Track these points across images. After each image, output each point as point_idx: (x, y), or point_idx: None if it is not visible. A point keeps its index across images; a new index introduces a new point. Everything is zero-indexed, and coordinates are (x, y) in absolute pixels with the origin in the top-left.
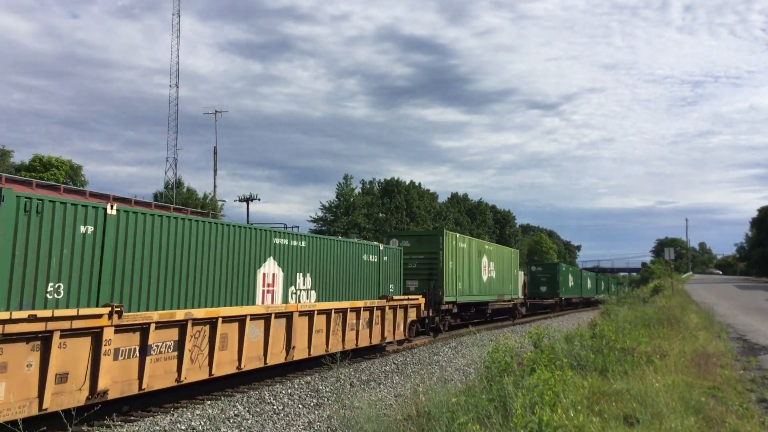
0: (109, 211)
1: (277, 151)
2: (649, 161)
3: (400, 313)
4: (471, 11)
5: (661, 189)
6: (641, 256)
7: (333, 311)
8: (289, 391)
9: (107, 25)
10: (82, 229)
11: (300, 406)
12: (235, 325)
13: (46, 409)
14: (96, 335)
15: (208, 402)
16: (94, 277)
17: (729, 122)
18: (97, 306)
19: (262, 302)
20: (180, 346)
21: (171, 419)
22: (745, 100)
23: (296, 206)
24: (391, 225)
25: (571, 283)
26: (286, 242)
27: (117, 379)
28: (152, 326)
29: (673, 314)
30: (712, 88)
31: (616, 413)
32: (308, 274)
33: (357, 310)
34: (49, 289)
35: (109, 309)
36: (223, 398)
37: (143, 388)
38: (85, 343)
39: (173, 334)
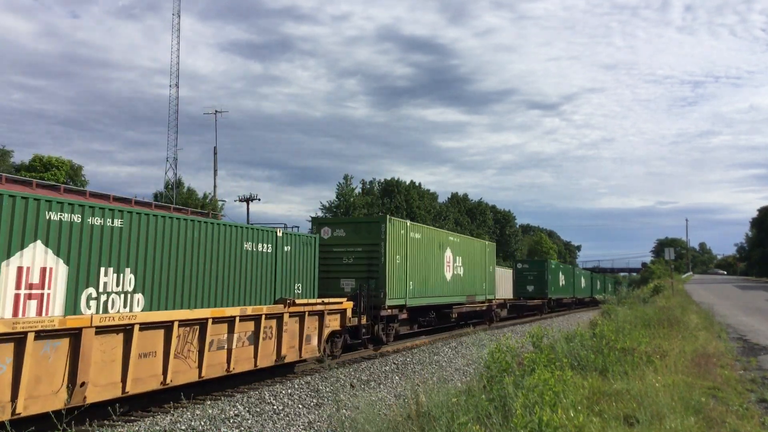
0: None
1: (278, 151)
2: (649, 161)
3: (310, 322)
4: (471, 11)
5: (661, 189)
6: (641, 256)
7: (177, 324)
8: (289, 391)
9: (107, 25)
10: None
11: (300, 406)
12: None
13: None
14: None
15: (209, 402)
16: None
17: (729, 122)
18: None
19: (13, 314)
20: None
21: (171, 419)
22: (745, 100)
23: (296, 206)
24: None
25: (561, 282)
26: (78, 219)
27: None
28: None
29: (673, 314)
30: (713, 88)
31: (616, 413)
32: (128, 269)
33: (230, 321)
34: None
35: None
36: (223, 398)
37: None
38: None
39: None
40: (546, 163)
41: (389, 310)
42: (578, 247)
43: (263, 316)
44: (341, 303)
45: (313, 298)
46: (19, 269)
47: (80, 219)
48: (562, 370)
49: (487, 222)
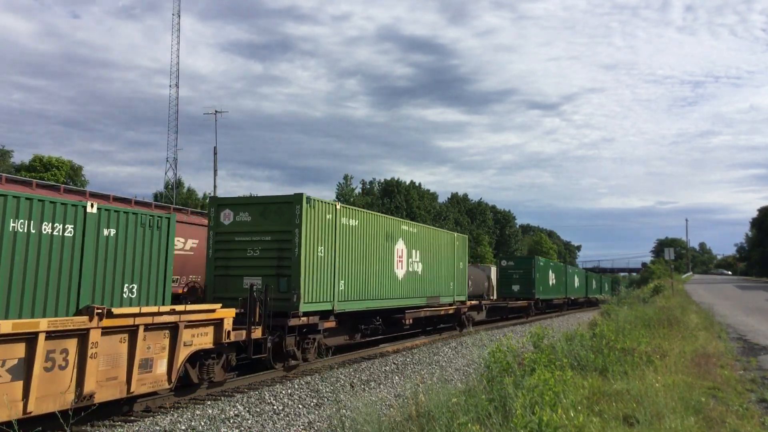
0: None
1: (278, 151)
2: (649, 161)
3: (153, 339)
4: (471, 11)
5: (661, 189)
6: (641, 256)
7: None
8: (289, 391)
9: (108, 25)
10: None
11: (300, 406)
12: None
13: None
14: None
15: (208, 402)
16: None
17: (729, 122)
18: None
19: None
20: None
21: (171, 419)
22: (745, 100)
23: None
24: None
25: (552, 281)
26: None
27: None
28: None
29: (673, 314)
30: (713, 89)
31: (616, 413)
32: None
33: None
34: None
35: None
36: (223, 398)
37: None
38: None
39: None
40: (546, 163)
41: (305, 318)
42: (578, 247)
43: (41, 335)
44: (213, 311)
45: (164, 305)
46: None
47: None
48: (563, 370)
49: (487, 222)
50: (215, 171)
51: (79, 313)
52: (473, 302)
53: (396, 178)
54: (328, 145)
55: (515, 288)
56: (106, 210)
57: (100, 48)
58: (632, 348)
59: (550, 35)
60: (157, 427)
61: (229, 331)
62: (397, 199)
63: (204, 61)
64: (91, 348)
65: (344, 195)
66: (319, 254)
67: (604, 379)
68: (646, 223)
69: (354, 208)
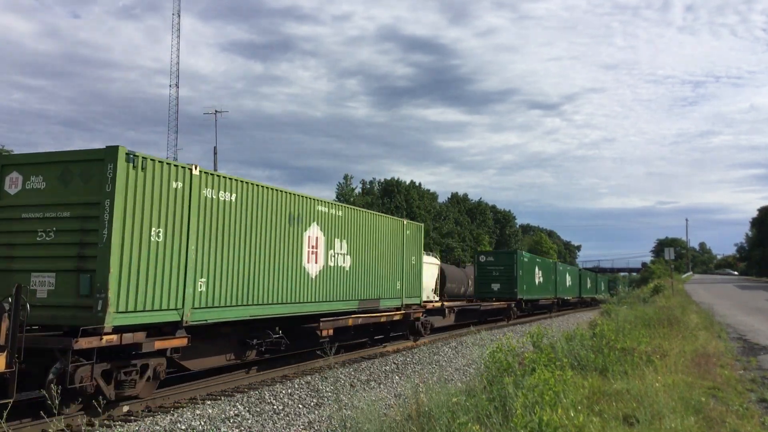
0: None
1: (278, 151)
2: (649, 161)
3: None
4: (472, 11)
5: (661, 189)
6: (641, 256)
7: None
8: (289, 390)
9: (108, 25)
10: None
11: (300, 405)
12: None
13: None
14: None
15: (208, 402)
16: None
17: (730, 122)
18: None
19: None
20: None
21: (171, 419)
22: (746, 100)
23: None
24: None
25: (538, 280)
26: None
27: None
28: None
29: (673, 314)
30: (713, 88)
31: (616, 413)
32: None
33: None
34: None
35: None
36: (223, 398)
37: None
38: None
39: None
40: (546, 163)
41: (113, 337)
42: (578, 247)
43: None
44: None
45: None
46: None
47: None
48: (563, 369)
49: (487, 222)
50: (215, 171)
51: None
52: (434, 304)
53: (396, 178)
54: (329, 145)
55: (495, 287)
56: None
57: (101, 48)
58: (632, 348)
59: (551, 35)
60: (157, 427)
61: None
62: (397, 199)
63: (204, 61)
64: None
65: (344, 195)
66: (155, 239)
67: (604, 379)
68: (647, 223)
69: (230, 176)
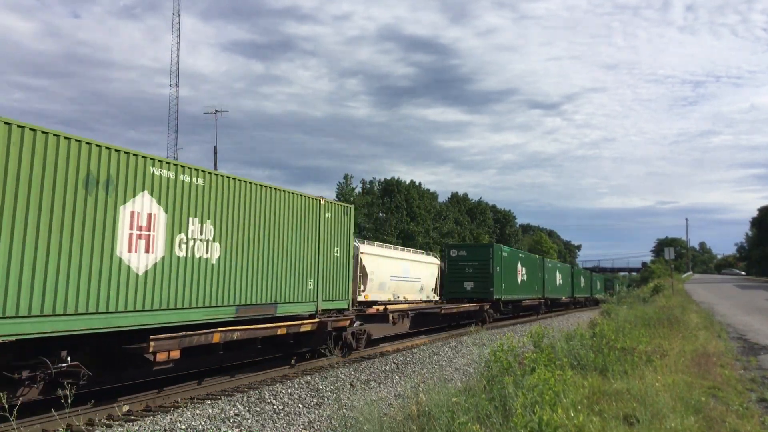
0: None
1: (278, 151)
2: (649, 161)
3: None
4: (473, 11)
5: (661, 189)
6: (641, 255)
7: None
8: (289, 390)
9: (109, 25)
10: None
11: (300, 405)
12: None
13: None
14: None
15: (208, 402)
16: None
17: (730, 122)
18: None
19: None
20: None
21: (171, 419)
22: (746, 99)
23: None
24: (392, 225)
25: (522, 277)
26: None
27: None
28: None
29: (673, 314)
30: (714, 88)
31: (616, 413)
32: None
33: None
34: None
35: None
36: (223, 398)
37: None
38: None
39: None
40: (547, 162)
41: None
42: (578, 247)
43: None
44: None
45: None
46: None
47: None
48: (563, 369)
49: (487, 222)
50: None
51: None
52: (377, 308)
53: (396, 178)
54: (329, 144)
55: (468, 286)
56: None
57: (101, 48)
58: (632, 347)
59: (551, 35)
60: (157, 427)
61: None
62: (397, 199)
63: (205, 61)
64: None
65: (344, 194)
66: None
67: (604, 379)
68: (647, 222)
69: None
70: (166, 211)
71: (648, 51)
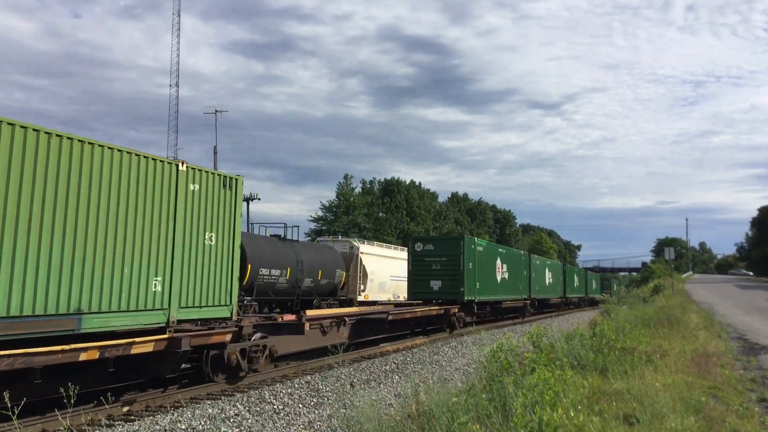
0: None
1: (278, 150)
2: (650, 161)
3: None
4: (473, 11)
5: (661, 189)
6: (642, 255)
7: None
8: (289, 390)
9: (109, 25)
10: None
11: (300, 405)
12: None
13: None
14: None
15: (208, 402)
16: None
17: (730, 122)
18: None
19: None
20: None
21: (171, 419)
22: (746, 99)
23: (297, 206)
24: (392, 225)
25: (502, 276)
26: None
27: None
28: None
29: (673, 314)
30: (714, 88)
31: (616, 413)
32: None
33: None
34: None
35: None
36: (223, 398)
37: None
38: None
39: None
40: (547, 162)
41: None
42: (578, 247)
43: None
44: None
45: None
46: None
47: None
48: (562, 369)
49: (487, 222)
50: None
51: None
52: (289, 317)
53: (396, 178)
54: (329, 144)
55: (435, 285)
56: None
57: (102, 48)
58: (632, 347)
59: (551, 35)
60: (157, 427)
61: None
62: (397, 199)
63: (205, 61)
64: None
65: (344, 195)
66: None
67: (604, 379)
68: (647, 222)
69: None
70: None
71: (648, 51)
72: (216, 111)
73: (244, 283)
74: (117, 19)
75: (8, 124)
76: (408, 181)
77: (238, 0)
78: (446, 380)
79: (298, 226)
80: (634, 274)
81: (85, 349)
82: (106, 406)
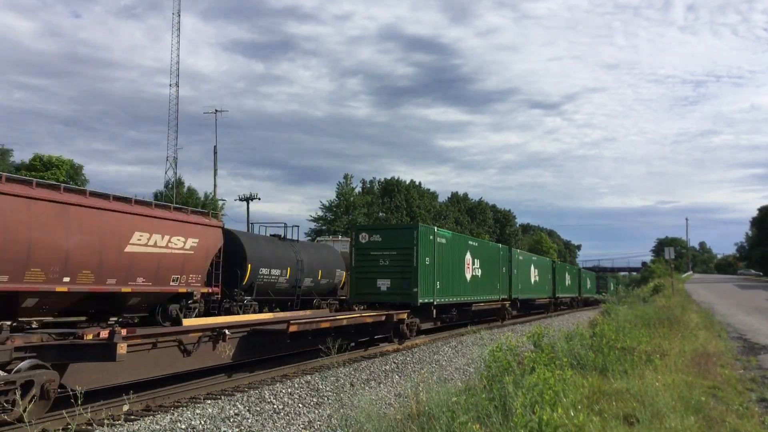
0: None
1: (279, 150)
2: (650, 161)
3: None
4: (474, 11)
5: (662, 188)
6: (642, 255)
7: None
8: (289, 390)
9: (109, 25)
10: None
11: (300, 405)
12: None
13: None
14: None
15: (208, 401)
16: None
17: (730, 122)
18: None
19: None
20: None
21: (171, 418)
22: (746, 99)
23: (297, 205)
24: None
25: (474, 273)
26: None
27: None
28: None
29: (673, 314)
30: (714, 88)
31: (616, 412)
32: None
33: None
34: None
35: None
36: (223, 397)
37: None
38: None
39: None
40: (547, 162)
41: None
42: (578, 247)
43: None
44: None
45: None
46: None
47: None
48: (562, 369)
49: (487, 221)
50: (215, 170)
51: None
52: (103, 333)
53: (396, 178)
54: (329, 144)
55: (383, 285)
56: None
57: (102, 47)
58: (632, 347)
59: (552, 35)
60: (157, 426)
61: None
62: (396, 198)
63: (206, 61)
64: None
65: (344, 194)
66: None
67: (604, 379)
68: (647, 222)
69: None
70: None
71: (649, 51)
72: (216, 111)
73: (244, 283)
74: (117, 19)
75: None
76: (408, 181)
77: (239, 0)
78: (446, 380)
79: (298, 226)
80: (634, 273)
81: None
82: (104, 406)
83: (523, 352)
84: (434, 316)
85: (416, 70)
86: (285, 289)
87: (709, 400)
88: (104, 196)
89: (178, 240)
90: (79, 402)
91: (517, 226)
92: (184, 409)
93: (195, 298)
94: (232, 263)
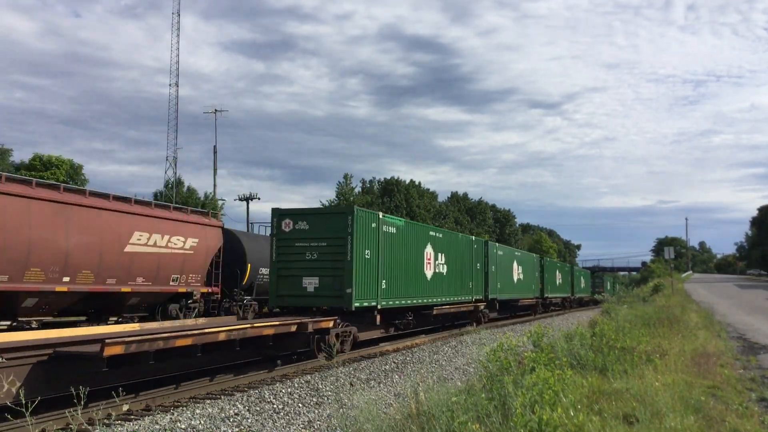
0: None
1: (279, 150)
2: (650, 160)
3: None
4: (474, 10)
5: (662, 188)
6: (642, 255)
7: None
8: (289, 390)
9: (110, 24)
10: None
11: (300, 405)
12: None
13: None
14: None
15: (208, 401)
16: None
17: (730, 121)
18: None
19: None
20: None
21: (171, 418)
22: (746, 99)
23: (297, 205)
24: None
25: (437, 270)
26: None
27: None
28: None
29: (673, 313)
30: (714, 88)
31: (616, 412)
32: None
33: None
34: None
35: None
36: (223, 397)
37: None
38: None
39: None
40: (547, 162)
41: None
42: (578, 246)
43: None
44: None
45: None
46: None
47: None
48: (562, 369)
49: (487, 221)
50: (215, 170)
51: None
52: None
53: (396, 177)
54: (329, 144)
55: (310, 284)
56: None
57: (102, 47)
58: (632, 347)
59: (552, 34)
60: (157, 426)
61: None
62: (396, 198)
63: (206, 60)
64: None
65: (344, 194)
66: None
67: (604, 378)
68: (647, 222)
69: None
70: None
71: (649, 50)
72: (216, 110)
73: (244, 283)
74: (117, 19)
75: None
76: (408, 181)
77: None
78: (446, 380)
79: None
80: (634, 273)
81: None
82: (100, 407)
83: (523, 352)
84: (378, 323)
85: (416, 69)
86: None
87: (709, 400)
88: (104, 196)
89: (178, 240)
90: (83, 402)
91: (517, 225)
92: (184, 409)
93: (195, 297)
94: (232, 263)
